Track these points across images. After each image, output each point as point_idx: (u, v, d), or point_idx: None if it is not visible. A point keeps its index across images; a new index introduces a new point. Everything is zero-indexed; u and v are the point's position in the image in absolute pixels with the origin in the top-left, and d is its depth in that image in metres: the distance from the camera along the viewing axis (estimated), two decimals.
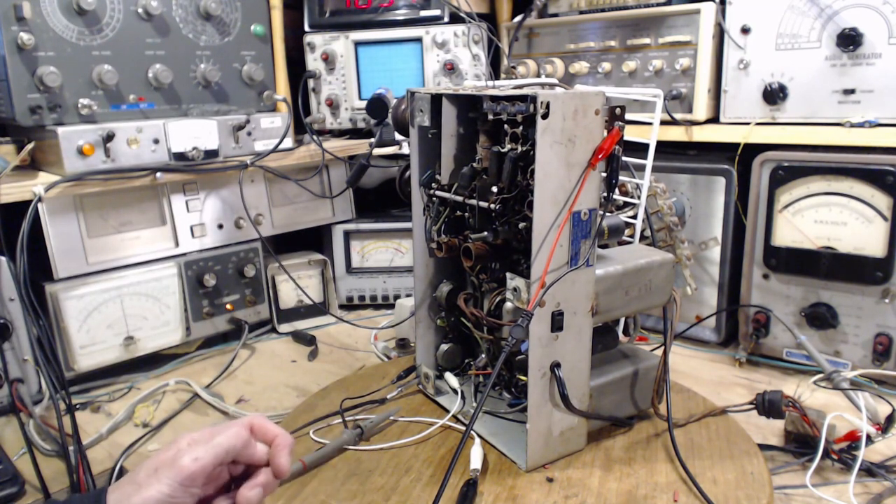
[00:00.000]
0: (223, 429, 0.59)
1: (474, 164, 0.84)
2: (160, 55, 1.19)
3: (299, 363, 1.25)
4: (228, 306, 1.32)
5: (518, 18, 1.43)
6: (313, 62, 1.51)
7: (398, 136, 1.38)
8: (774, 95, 1.13)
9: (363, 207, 1.56)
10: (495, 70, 1.49)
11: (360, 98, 1.51)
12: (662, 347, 0.85)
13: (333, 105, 1.52)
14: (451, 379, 0.96)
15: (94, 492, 0.56)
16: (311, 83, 1.53)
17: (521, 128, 0.78)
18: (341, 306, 1.50)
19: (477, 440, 0.82)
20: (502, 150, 0.80)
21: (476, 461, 0.78)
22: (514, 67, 1.42)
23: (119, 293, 1.16)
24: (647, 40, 1.26)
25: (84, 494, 0.56)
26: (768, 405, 0.89)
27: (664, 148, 1.15)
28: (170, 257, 1.23)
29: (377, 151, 1.39)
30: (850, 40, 1.04)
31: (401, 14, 1.48)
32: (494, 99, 0.76)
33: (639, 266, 0.83)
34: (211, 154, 1.22)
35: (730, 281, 1.23)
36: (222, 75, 1.27)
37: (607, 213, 0.79)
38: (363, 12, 1.49)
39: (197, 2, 1.22)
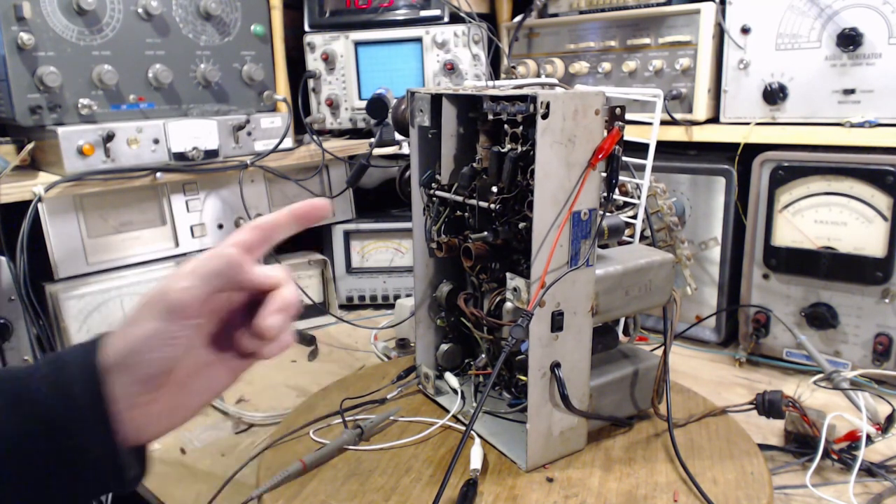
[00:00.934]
0: (213, 250, 0.52)
1: (474, 164, 0.84)
2: (160, 55, 1.20)
3: (299, 363, 1.25)
4: None
5: (518, 18, 1.43)
6: (313, 62, 1.51)
7: (398, 136, 1.38)
8: (774, 95, 1.13)
9: (363, 207, 1.56)
10: (495, 70, 1.49)
11: (360, 98, 1.51)
12: (662, 347, 0.85)
13: (333, 105, 1.52)
14: (451, 379, 0.96)
15: (92, 339, 0.51)
16: (311, 83, 1.53)
17: (521, 128, 0.78)
18: (341, 306, 1.50)
19: (477, 440, 0.82)
20: (502, 150, 0.80)
21: (476, 461, 0.78)
22: (514, 67, 1.42)
23: (119, 293, 1.16)
24: (647, 40, 1.26)
25: (81, 343, 0.51)
26: (768, 405, 0.89)
27: (664, 148, 1.15)
28: (170, 257, 1.23)
29: (377, 151, 1.39)
30: (850, 40, 1.04)
31: (401, 14, 1.48)
32: (494, 99, 0.76)
33: (639, 266, 0.83)
34: (211, 154, 1.22)
35: (730, 281, 1.23)
36: (222, 75, 1.27)
37: (607, 213, 0.79)
38: (363, 12, 1.49)
39: (197, 2, 1.22)
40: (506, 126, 0.80)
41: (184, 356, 0.51)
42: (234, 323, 0.55)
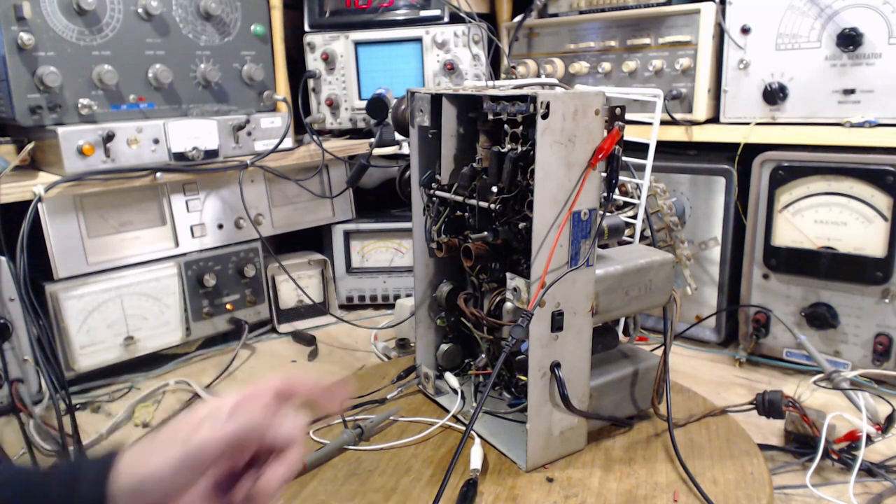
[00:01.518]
0: (247, 402, 0.56)
1: (474, 164, 0.84)
2: (160, 55, 1.19)
3: (299, 363, 1.25)
4: (228, 306, 1.32)
5: (518, 18, 1.42)
6: (313, 62, 1.51)
7: (398, 136, 1.38)
8: (774, 95, 1.13)
9: (363, 207, 1.56)
10: (495, 70, 1.49)
11: (360, 98, 1.51)
12: (662, 347, 0.85)
13: (333, 105, 1.52)
14: (451, 379, 0.96)
15: (109, 452, 0.54)
16: (311, 83, 1.53)
17: (521, 128, 0.78)
18: (341, 306, 1.50)
19: (477, 440, 0.82)
20: (502, 150, 0.80)
21: (476, 461, 0.78)
22: (514, 67, 1.42)
23: (119, 293, 1.16)
24: (647, 40, 1.26)
25: (95, 458, 0.55)
26: (768, 405, 0.89)
27: (664, 148, 1.15)
28: (170, 257, 1.23)
29: (377, 151, 1.39)
30: (850, 40, 1.04)
31: (401, 14, 1.48)
32: (494, 99, 0.76)
33: (639, 266, 0.83)
34: (211, 154, 1.22)
35: (730, 281, 1.23)
36: (222, 75, 1.27)
37: (607, 213, 0.79)
38: (363, 12, 1.49)
39: (197, 2, 1.22)
40: (506, 126, 0.80)
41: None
42: (237, 471, 0.59)
